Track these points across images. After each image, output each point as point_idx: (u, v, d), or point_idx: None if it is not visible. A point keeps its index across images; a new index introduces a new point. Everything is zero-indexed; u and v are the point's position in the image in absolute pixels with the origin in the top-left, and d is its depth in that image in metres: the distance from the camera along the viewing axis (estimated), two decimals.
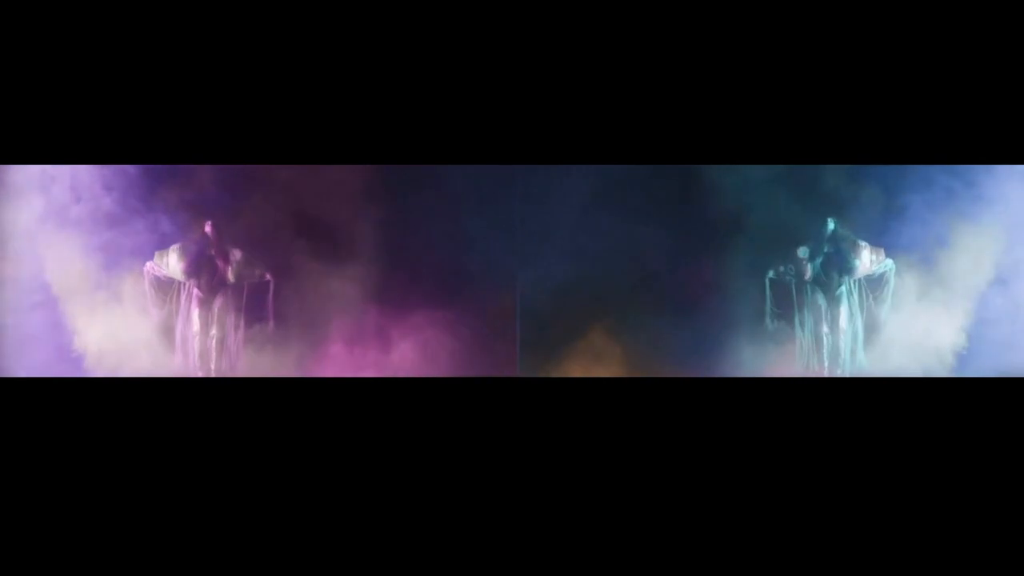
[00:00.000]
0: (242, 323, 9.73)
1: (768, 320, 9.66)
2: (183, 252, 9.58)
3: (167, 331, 9.61)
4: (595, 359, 9.61)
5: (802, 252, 9.67)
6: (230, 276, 9.68)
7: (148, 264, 9.51)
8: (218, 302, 9.68)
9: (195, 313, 9.63)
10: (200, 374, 9.55)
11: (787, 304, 9.72)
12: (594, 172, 9.50)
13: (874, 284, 9.69)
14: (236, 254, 9.66)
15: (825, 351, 9.67)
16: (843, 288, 9.70)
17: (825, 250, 9.67)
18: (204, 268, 9.63)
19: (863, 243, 9.64)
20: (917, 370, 9.48)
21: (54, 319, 9.36)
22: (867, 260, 9.65)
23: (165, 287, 9.58)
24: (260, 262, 9.70)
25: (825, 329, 9.69)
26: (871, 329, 9.72)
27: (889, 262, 9.62)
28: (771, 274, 9.70)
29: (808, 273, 9.69)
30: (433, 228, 9.64)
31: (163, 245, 9.55)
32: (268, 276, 9.70)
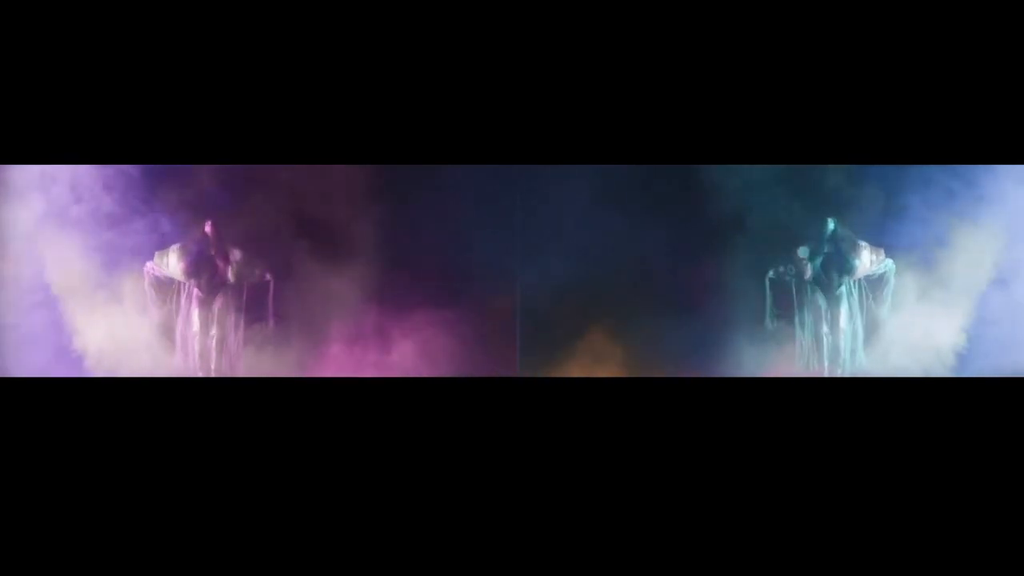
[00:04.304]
0: (242, 323, 9.73)
1: (768, 320, 9.65)
2: (183, 252, 9.58)
3: (167, 331, 9.61)
4: (595, 359, 9.61)
5: (802, 252, 9.66)
6: (230, 276, 9.68)
7: (148, 264, 9.51)
8: (218, 302, 9.67)
9: (195, 313, 9.62)
10: (200, 374, 9.55)
11: (787, 304, 9.72)
12: (594, 172, 9.49)
13: (874, 284, 9.69)
14: (236, 254, 9.66)
15: (825, 351, 9.67)
16: (843, 288, 9.70)
17: (825, 250, 9.66)
18: (204, 268, 9.63)
19: (863, 243, 9.64)
20: (917, 370, 9.48)
21: (54, 319, 9.36)
22: (867, 260, 9.65)
23: (165, 287, 9.58)
24: (260, 262, 9.70)
25: (825, 329, 9.68)
26: (871, 329, 9.71)
27: (889, 262, 9.62)
28: (771, 274, 9.70)
29: (808, 273, 9.69)
30: (433, 228, 9.64)
31: (163, 245, 9.55)
32: (268, 276, 9.69)
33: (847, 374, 9.61)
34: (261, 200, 9.54)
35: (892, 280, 9.62)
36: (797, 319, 9.70)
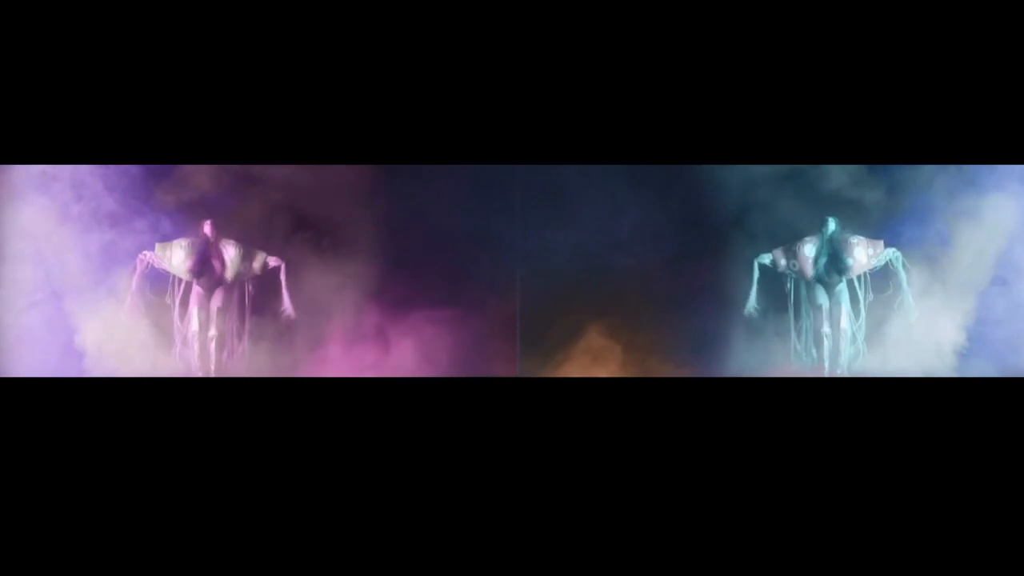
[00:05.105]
0: (245, 320, 9.73)
1: (750, 306, 9.60)
2: (189, 250, 9.55)
3: (166, 330, 9.61)
4: (594, 359, 9.61)
5: (808, 250, 9.64)
6: (228, 274, 9.66)
7: (147, 253, 9.48)
8: (217, 300, 9.66)
9: (194, 311, 9.61)
10: (200, 374, 9.55)
11: (782, 301, 9.71)
12: (594, 172, 9.49)
13: (879, 277, 9.66)
14: (232, 251, 9.64)
15: (825, 351, 9.65)
16: (843, 286, 9.68)
17: (827, 250, 9.64)
18: (204, 267, 9.62)
19: (855, 239, 9.59)
20: (917, 370, 9.46)
21: (54, 318, 9.36)
22: (862, 256, 9.61)
23: (159, 281, 9.56)
24: (262, 254, 9.68)
25: (826, 329, 9.66)
26: (873, 328, 9.68)
27: (891, 251, 9.56)
28: (766, 260, 9.66)
29: (811, 272, 9.67)
30: (433, 228, 9.63)
31: None
32: (275, 262, 9.66)
33: (847, 374, 9.60)
34: (261, 200, 9.55)
35: (902, 271, 9.56)
36: (793, 317, 9.70)
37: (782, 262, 9.70)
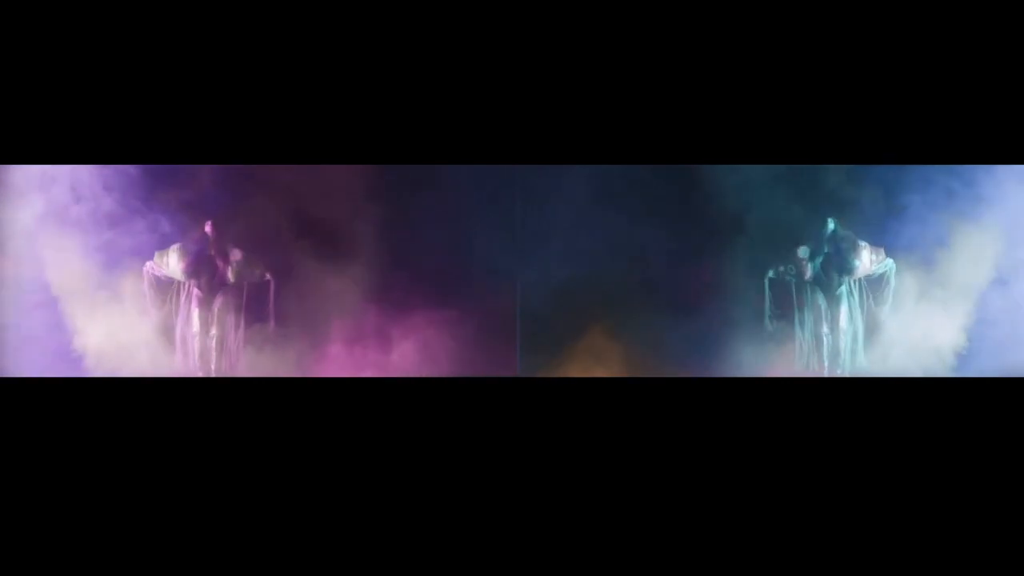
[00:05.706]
0: (242, 323, 9.73)
1: (767, 321, 9.65)
2: (183, 252, 9.58)
3: (167, 331, 9.61)
4: (595, 359, 9.61)
5: (802, 252, 9.67)
6: (230, 276, 9.68)
7: (148, 264, 9.51)
8: (218, 302, 9.67)
9: (195, 313, 9.62)
10: (200, 374, 9.55)
11: (787, 304, 9.72)
12: (594, 172, 9.49)
13: (874, 284, 9.69)
14: (236, 254, 9.66)
15: (825, 351, 9.67)
16: (843, 288, 9.70)
17: (825, 250, 9.66)
18: (204, 268, 9.63)
19: (863, 243, 9.64)
20: (917, 370, 9.47)
21: (54, 319, 9.36)
22: (867, 260, 9.65)
23: (164, 287, 9.58)
24: (260, 262, 9.70)
25: (825, 329, 9.68)
26: (871, 329, 9.71)
27: (889, 262, 9.62)
28: (771, 274, 9.70)
29: (808, 273, 9.69)
30: (433, 228, 9.64)
31: (163, 245, 9.56)
32: (268, 276, 9.69)
33: (847, 374, 9.62)
34: (261, 200, 9.55)
35: (893, 280, 9.62)
36: (797, 319, 9.71)
37: (781, 268, 9.73)
